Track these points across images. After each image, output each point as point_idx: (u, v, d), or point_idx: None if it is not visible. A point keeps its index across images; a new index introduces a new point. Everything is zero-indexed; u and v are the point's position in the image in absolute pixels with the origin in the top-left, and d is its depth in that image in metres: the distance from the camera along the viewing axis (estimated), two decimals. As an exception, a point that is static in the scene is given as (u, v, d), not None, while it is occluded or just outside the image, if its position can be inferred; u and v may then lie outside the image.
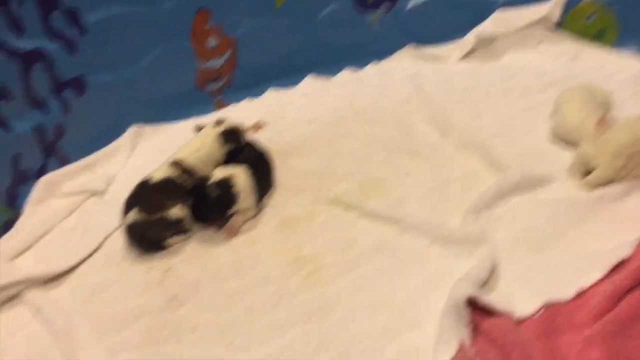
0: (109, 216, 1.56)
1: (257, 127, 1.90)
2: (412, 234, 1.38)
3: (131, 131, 2.00)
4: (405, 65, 2.25)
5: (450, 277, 1.21)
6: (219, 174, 1.47)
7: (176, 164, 1.52)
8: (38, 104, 1.77)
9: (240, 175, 1.46)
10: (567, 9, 2.24)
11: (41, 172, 1.79)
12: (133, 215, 1.43)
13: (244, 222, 1.49)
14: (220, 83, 2.19)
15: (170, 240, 1.45)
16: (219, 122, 1.61)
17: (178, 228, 1.45)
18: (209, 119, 1.95)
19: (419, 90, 2.00)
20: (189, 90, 2.14)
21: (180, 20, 2.06)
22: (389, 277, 1.28)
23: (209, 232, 1.49)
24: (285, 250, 1.40)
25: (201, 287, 1.33)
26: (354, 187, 1.57)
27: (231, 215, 1.46)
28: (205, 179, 1.46)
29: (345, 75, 2.23)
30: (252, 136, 1.77)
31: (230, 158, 1.57)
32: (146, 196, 1.46)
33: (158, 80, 2.06)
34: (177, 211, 1.44)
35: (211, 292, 1.31)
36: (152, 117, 2.06)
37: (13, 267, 1.47)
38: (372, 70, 2.24)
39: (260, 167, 1.56)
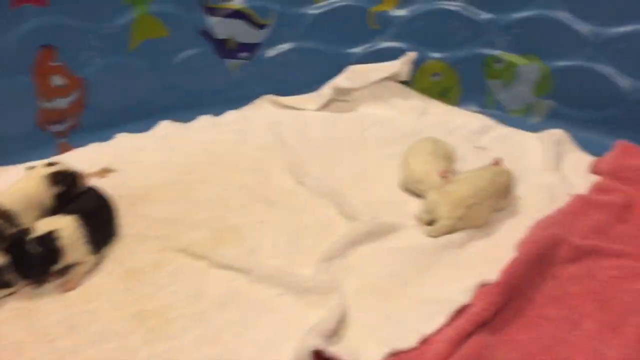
0: None
1: (105, 172, 1.79)
2: (264, 284, 1.34)
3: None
4: (264, 113, 2.26)
5: (302, 327, 1.18)
6: (42, 227, 1.32)
7: None
8: None
9: (67, 227, 1.33)
10: (416, 66, 2.39)
11: None
12: None
13: (85, 273, 1.37)
14: (66, 125, 2.04)
15: None
16: (50, 164, 1.48)
17: None
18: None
19: (277, 137, 2.01)
20: (30, 131, 1.97)
21: (23, 55, 1.91)
22: (238, 329, 1.22)
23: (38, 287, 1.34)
24: (127, 303, 1.29)
25: (25, 349, 1.17)
26: (206, 235, 1.51)
27: (61, 270, 1.33)
28: (25, 231, 1.30)
29: (203, 121, 2.18)
30: (98, 182, 1.65)
31: (64, 204, 1.44)
32: None
33: (-4, 119, 1.88)
34: None
35: (36, 354, 1.16)
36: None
37: None
38: (230, 116, 2.22)
39: (99, 215, 1.45)
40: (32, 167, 1.49)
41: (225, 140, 2.03)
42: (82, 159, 1.82)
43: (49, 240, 1.29)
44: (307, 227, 1.55)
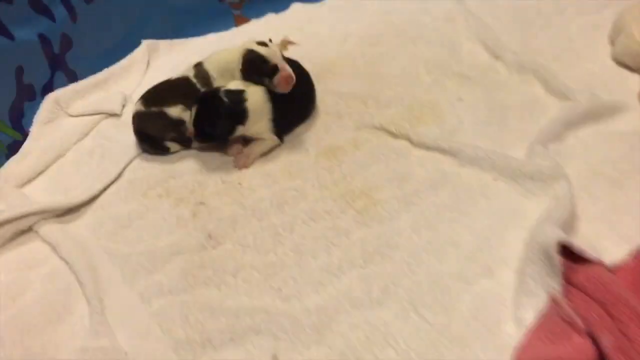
0: (128, 140, 1.41)
1: (285, 44, 1.71)
2: (474, 167, 1.23)
3: (145, 46, 1.83)
4: (444, -22, 2.04)
5: (522, 216, 1.09)
6: (232, 85, 1.32)
7: (198, 64, 1.42)
8: (42, 8, 1.58)
9: (255, 94, 1.30)
10: None
11: (48, 88, 1.64)
12: (136, 106, 1.38)
13: (261, 153, 1.34)
14: (240, -4, 1.98)
15: (170, 144, 1.38)
16: (261, 43, 1.37)
17: (177, 130, 1.36)
18: (229, 35, 1.80)
19: (462, 6, 1.81)
20: (208, 2, 1.93)
21: None
22: (452, 215, 1.14)
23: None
24: (331, 182, 1.25)
25: (239, 224, 1.18)
26: (401, 112, 1.41)
27: (237, 137, 1.32)
28: (217, 89, 1.31)
29: (379, -12, 2.01)
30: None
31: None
32: (155, 91, 1.41)
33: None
34: (177, 110, 1.36)
35: (251, 229, 1.17)
36: (167, 30, 1.89)
37: (23, 196, 1.33)
38: (408, -18, 2.02)
39: (291, 95, 1.33)
40: (263, 43, 1.38)
41: (405, 9, 1.86)
42: (259, 31, 1.76)
43: (237, 97, 1.28)
44: (511, 106, 1.40)
